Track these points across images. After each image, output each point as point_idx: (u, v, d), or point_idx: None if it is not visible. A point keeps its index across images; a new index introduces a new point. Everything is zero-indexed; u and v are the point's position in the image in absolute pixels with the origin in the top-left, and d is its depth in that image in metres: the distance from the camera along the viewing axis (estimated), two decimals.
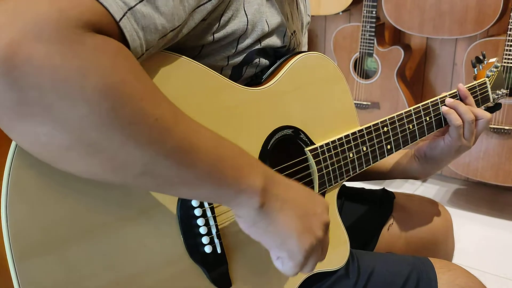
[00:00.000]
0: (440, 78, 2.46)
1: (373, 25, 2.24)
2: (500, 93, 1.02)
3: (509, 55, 1.95)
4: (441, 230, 1.05)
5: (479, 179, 2.20)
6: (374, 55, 2.31)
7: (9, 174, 0.51)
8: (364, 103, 2.38)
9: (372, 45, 2.28)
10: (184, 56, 0.64)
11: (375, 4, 2.19)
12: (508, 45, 1.94)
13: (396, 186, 2.49)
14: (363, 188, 1.12)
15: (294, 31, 0.82)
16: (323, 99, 0.82)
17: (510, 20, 1.91)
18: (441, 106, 0.93)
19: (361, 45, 2.31)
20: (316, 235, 0.62)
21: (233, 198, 0.56)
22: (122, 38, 0.50)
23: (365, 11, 2.23)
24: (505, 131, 2.07)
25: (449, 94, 0.95)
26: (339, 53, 2.45)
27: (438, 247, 1.05)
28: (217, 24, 0.65)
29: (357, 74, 2.38)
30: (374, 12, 2.22)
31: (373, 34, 2.26)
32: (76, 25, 0.45)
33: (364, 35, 2.28)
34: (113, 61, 0.46)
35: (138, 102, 0.47)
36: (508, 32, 1.93)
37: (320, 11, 2.43)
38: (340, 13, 2.44)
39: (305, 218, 0.61)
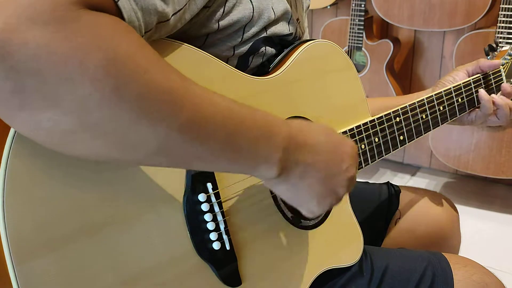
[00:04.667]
0: (429, 71, 2.45)
1: (362, 18, 2.22)
2: None
3: (500, 47, 1.94)
4: (448, 224, 1.03)
5: (469, 172, 2.20)
6: (363, 48, 2.29)
7: (6, 170, 0.47)
8: None
9: (361, 38, 2.26)
10: (187, 44, 0.60)
11: None
12: (498, 37, 1.93)
13: (385, 180, 2.48)
14: (367, 182, 1.09)
15: (298, 19, 0.79)
16: (333, 88, 0.79)
17: (500, 12, 1.91)
18: (455, 94, 0.91)
19: (349, 39, 2.29)
20: (338, 195, 0.62)
21: (250, 170, 0.56)
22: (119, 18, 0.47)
23: (353, 4, 2.21)
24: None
25: (474, 81, 0.94)
26: None
27: (446, 241, 1.03)
28: (222, 11, 0.63)
29: None
30: (363, 6, 2.20)
31: (362, 27, 2.24)
32: (72, 3, 0.42)
33: (353, 28, 2.26)
34: (113, 35, 0.43)
35: (144, 75, 0.44)
36: (498, 24, 1.92)
37: None
38: (328, 7, 2.41)
39: (328, 180, 0.60)
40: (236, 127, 0.51)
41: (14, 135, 0.47)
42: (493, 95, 0.95)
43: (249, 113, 0.54)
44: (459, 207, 1.10)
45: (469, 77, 0.97)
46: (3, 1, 0.40)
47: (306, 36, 0.89)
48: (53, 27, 0.40)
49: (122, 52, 0.43)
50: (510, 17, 1.90)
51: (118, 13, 0.47)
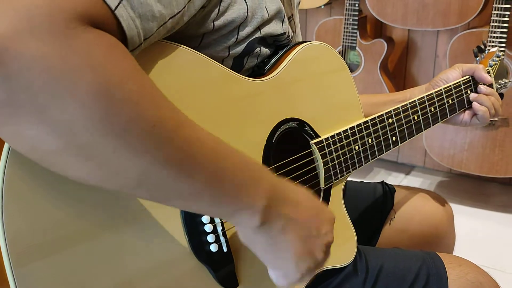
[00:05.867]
0: (422, 70, 2.46)
1: (356, 18, 2.22)
2: (503, 82, 1.01)
3: (493, 46, 1.95)
4: (443, 223, 1.04)
5: (463, 171, 2.21)
6: (357, 48, 2.30)
7: (4, 175, 0.47)
8: None
9: (355, 38, 2.27)
10: (183, 46, 0.60)
11: None
12: (491, 36, 1.94)
13: (379, 180, 2.49)
14: (362, 182, 1.10)
15: (291, 16, 0.80)
16: (327, 89, 0.80)
17: (493, 12, 1.92)
18: (446, 95, 0.92)
19: (343, 39, 2.29)
20: (315, 259, 0.58)
21: (231, 216, 0.53)
22: (118, 28, 0.47)
23: (347, 4, 2.22)
24: (490, 122, 2.08)
25: (463, 82, 0.94)
26: None
27: (441, 240, 1.04)
28: (217, 10, 0.62)
29: None
30: (356, 5, 2.20)
31: (356, 27, 2.24)
32: (70, 18, 0.41)
33: (347, 28, 2.26)
34: (108, 60, 0.42)
35: (134, 106, 0.43)
36: (491, 24, 1.93)
37: (301, 4, 2.40)
38: (322, 7, 2.42)
39: (307, 240, 0.57)
40: (222, 168, 0.49)
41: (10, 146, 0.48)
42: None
43: (236, 155, 0.52)
44: (453, 206, 1.11)
45: (462, 77, 0.97)
46: (1, 11, 0.39)
47: (298, 32, 0.90)
48: (50, 42, 0.40)
49: (115, 78, 0.42)
50: (502, 17, 1.91)
51: (116, 23, 0.46)
